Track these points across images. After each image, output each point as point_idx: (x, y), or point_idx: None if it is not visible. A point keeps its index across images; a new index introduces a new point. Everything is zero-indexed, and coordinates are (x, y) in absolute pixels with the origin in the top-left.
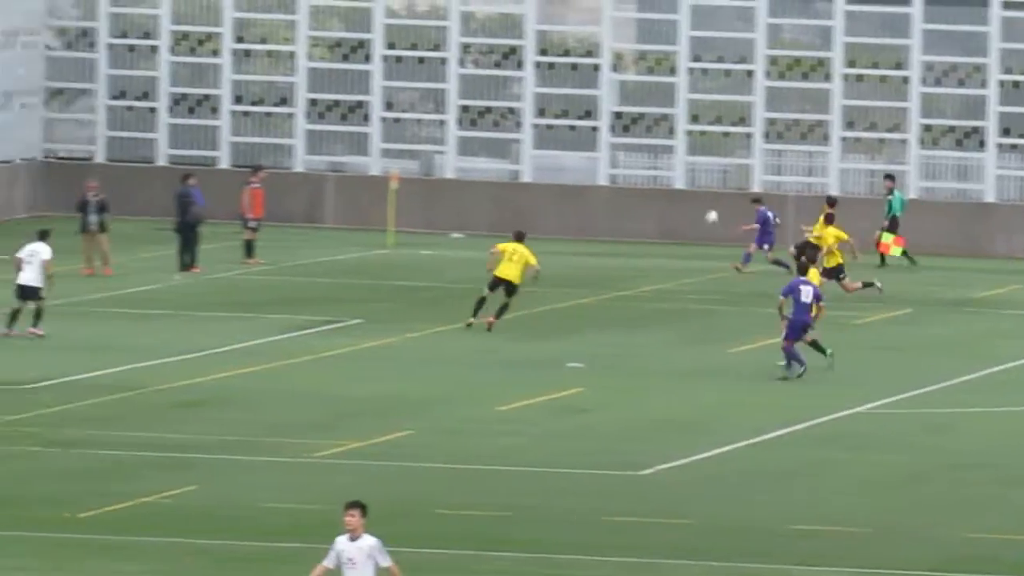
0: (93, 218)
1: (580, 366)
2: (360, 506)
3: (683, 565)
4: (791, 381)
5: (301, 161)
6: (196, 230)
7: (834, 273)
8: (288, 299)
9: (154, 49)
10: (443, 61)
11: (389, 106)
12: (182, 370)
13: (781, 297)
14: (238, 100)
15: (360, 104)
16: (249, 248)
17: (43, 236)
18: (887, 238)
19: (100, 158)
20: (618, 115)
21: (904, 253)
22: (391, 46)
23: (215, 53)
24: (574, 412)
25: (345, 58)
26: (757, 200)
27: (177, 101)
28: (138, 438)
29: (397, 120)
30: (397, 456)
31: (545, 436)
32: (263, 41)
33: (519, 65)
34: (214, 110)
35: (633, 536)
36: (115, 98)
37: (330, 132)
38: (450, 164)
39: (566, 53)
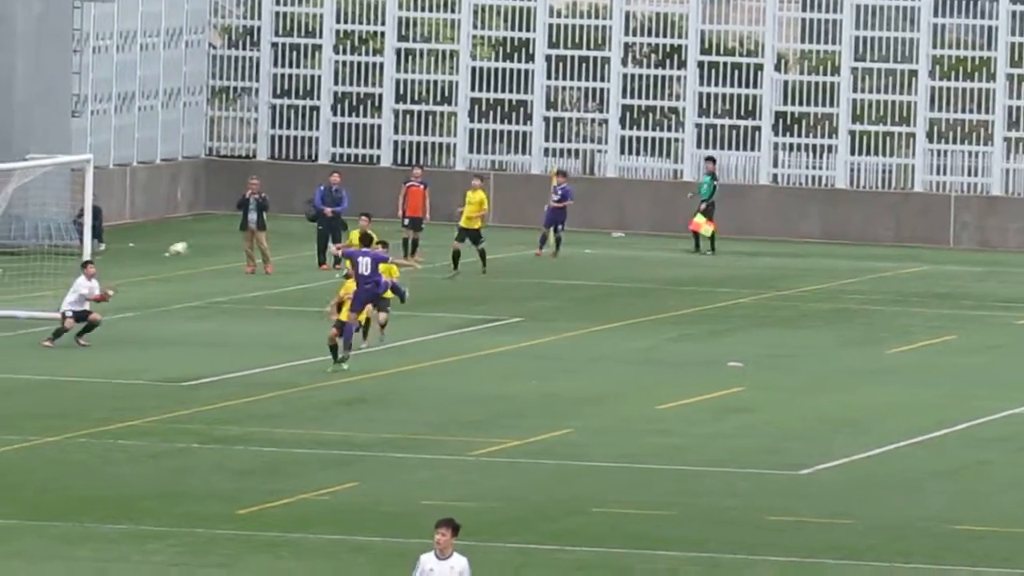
0: (253, 216)
1: (740, 365)
2: (452, 524)
3: (846, 566)
4: (951, 382)
5: (462, 160)
6: (336, 229)
7: None
8: (448, 297)
9: (317, 48)
10: (605, 60)
11: (550, 105)
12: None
13: None
14: (400, 99)
15: (522, 103)
16: (409, 246)
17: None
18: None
19: (262, 156)
20: (780, 114)
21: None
22: (553, 45)
23: (378, 52)
24: (734, 411)
25: (507, 57)
26: None
27: (339, 99)
28: (298, 435)
29: (558, 119)
30: (556, 455)
31: (705, 435)
32: (425, 40)
33: (681, 64)
34: (376, 109)
35: (794, 536)
36: (278, 96)
37: (491, 131)
38: (611, 163)
39: (728, 52)
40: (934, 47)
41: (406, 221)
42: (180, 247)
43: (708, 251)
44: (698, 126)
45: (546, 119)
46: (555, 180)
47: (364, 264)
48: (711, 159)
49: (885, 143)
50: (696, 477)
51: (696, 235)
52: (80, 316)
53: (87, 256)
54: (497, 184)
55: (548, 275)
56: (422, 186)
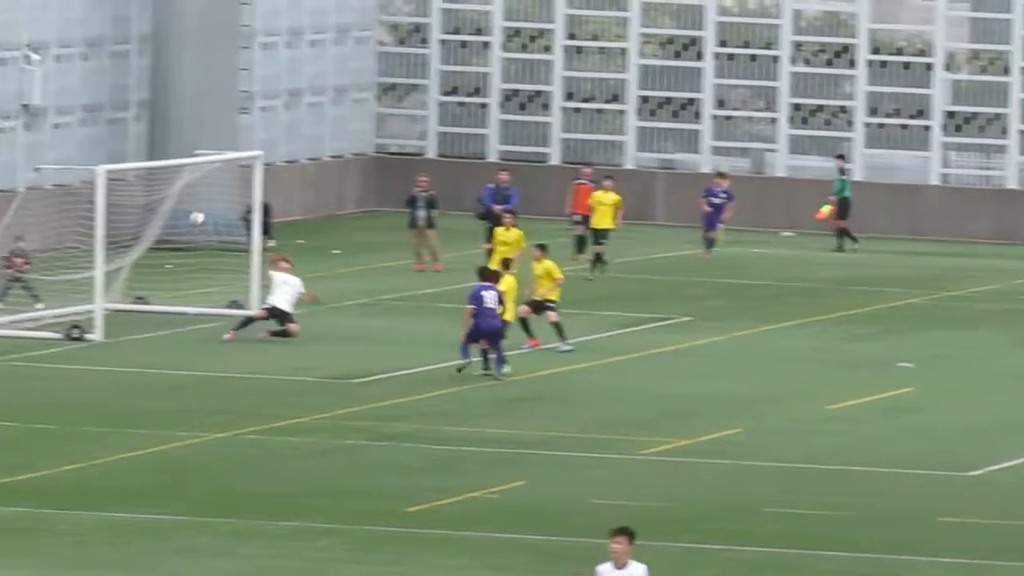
0: (422, 214)
1: (910, 366)
2: (628, 532)
3: (1019, 568)
4: None
5: (632, 158)
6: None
7: None
8: (618, 295)
9: (486, 45)
10: (774, 59)
11: (720, 103)
12: (512, 366)
13: None
14: (569, 96)
15: (691, 101)
16: (580, 244)
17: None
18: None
19: (431, 153)
20: (950, 114)
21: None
22: (722, 43)
23: (547, 49)
24: (904, 412)
25: (676, 55)
26: None
27: (508, 97)
28: (467, 433)
29: (728, 118)
30: (725, 454)
31: (874, 436)
32: (595, 38)
33: (851, 63)
34: (545, 107)
35: (965, 538)
36: (447, 94)
37: (661, 129)
38: (781, 162)
39: (898, 52)
40: None
41: (576, 218)
42: (199, 217)
43: (844, 249)
44: (867, 125)
45: (715, 117)
46: (719, 182)
47: (490, 299)
48: (840, 156)
49: None
50: (866, 478)
51: (841, 233)
52: (275, 313)
53: (258, 252)
54: (666, 182)
55: (717, 274)
56: (592, 184)
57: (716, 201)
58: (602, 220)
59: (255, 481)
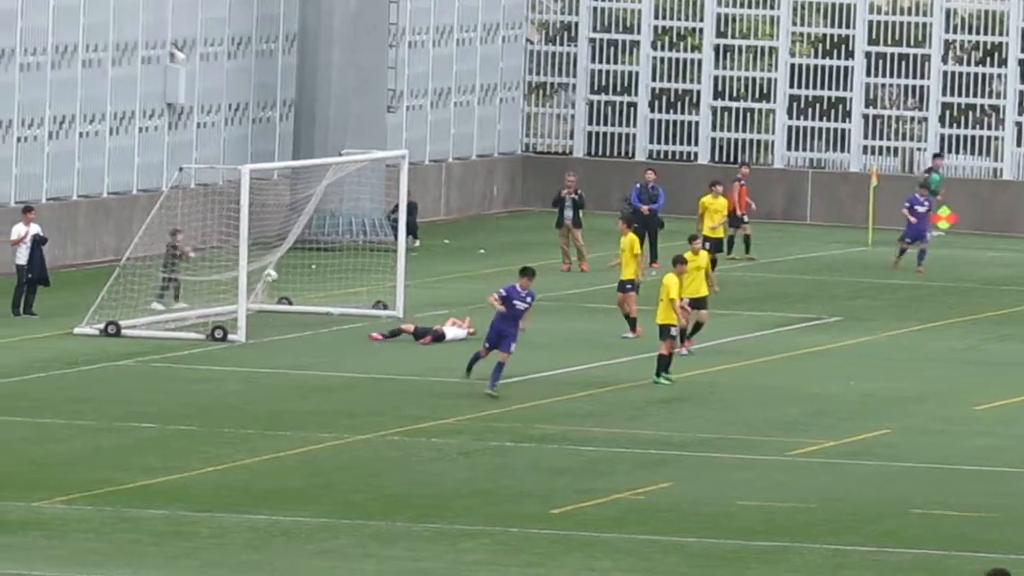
0: (569, 213)
1: None
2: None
3: None
4: None
5: (781, 157)
6: (652, 226)
7: None
8: (768, 296)
9: (635, 44)
10: (925, 57)
11: (870, 102)
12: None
13: None
14: (718, 95)
15: (840, 100)
16: (745, 243)
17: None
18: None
19: (578, 152)
20: None
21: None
22: (873, 42)
23: (696, 48)
24: None
25: (826, 54)
26: None
27: (656, 96)
28: (613, 434)
29: (878, 116)
30: (873, 455)
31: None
32: (744, 36)
33: (1002, 62)
34: (694, 105)
35: None
36: (595, 93)
37: (810, 128)
38: (930, 161)
39: None
40: None
41: (744, 218)
42: (272, 274)
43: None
44: (1018, 124)
45: (865, 116)
46: (923, 191)
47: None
48: (938, 155)
49: None
50: (1016, 479)
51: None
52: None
53: (403, 252)
54: (815, 182)
55: (866, 274)
56: (741, 184)
57: (920, 210)
58: (718, 230)
59: (398, 483)
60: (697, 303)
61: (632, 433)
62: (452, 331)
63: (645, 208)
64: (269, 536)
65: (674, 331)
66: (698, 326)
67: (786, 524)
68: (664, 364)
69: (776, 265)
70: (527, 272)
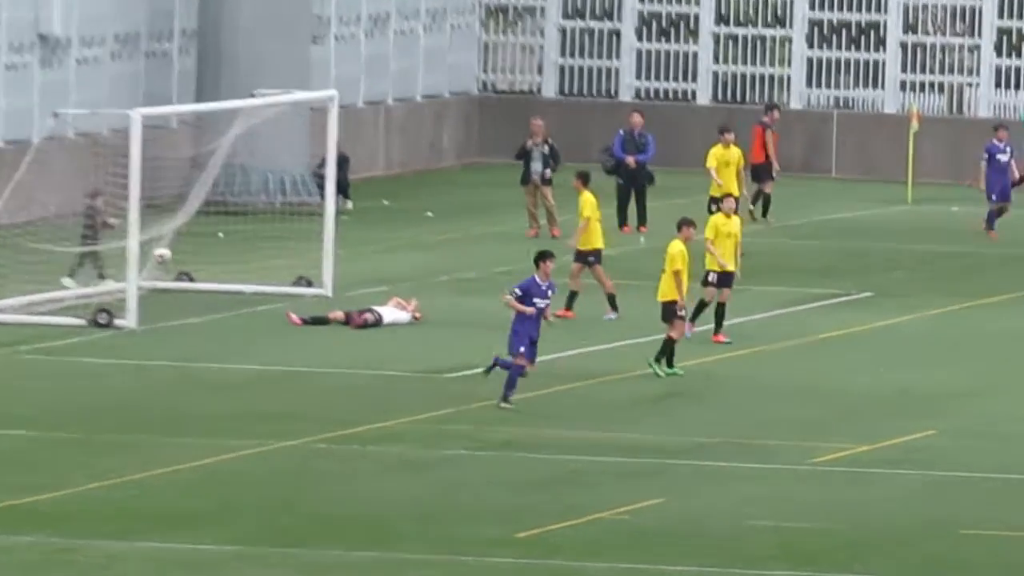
0: (538, 167)
1: None
2: None
3: None
4: None
5: (799, 96)
6: (640, 182)
7: None
8: (783, 267)
9: None
10: None
11: (909, 28)
12: (636, 358)
13: None
14: (721, 20)
15: (873, 25)
16: (766, 203)
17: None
18: None
19: (549, 92)
20: None
21: None
22: None
23: None
24: None
25: None
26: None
27: (646, 21)
28: (593, 439)
29: (919, 45)
30: (913, 463)
31: None
32: None
33: None
34: (691, 32)
35: None
36: (569, 17)
37: (834, 59)
38: (985, 99)
39: None
40: None
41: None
42: (164, 253)
43: None
44: None
45: (903, 45)
46: (1001, 136)
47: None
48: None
49: None
50: None
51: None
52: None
53: (332, 217)
54: (841, 127)
55: (905, 239)
56: (767, 129)
57: (1003, 159)
58: (728, 184)
59: (327, 502)
60: (724, 279)
61: (615, 437)
62: (393, 313)
63: (631, 160)
64: (167, 567)
65: (681, 311)
66: (721, 310)
67: (806, 549)
68: (669, 352)
69: (793, 229)
70: (546, 257)
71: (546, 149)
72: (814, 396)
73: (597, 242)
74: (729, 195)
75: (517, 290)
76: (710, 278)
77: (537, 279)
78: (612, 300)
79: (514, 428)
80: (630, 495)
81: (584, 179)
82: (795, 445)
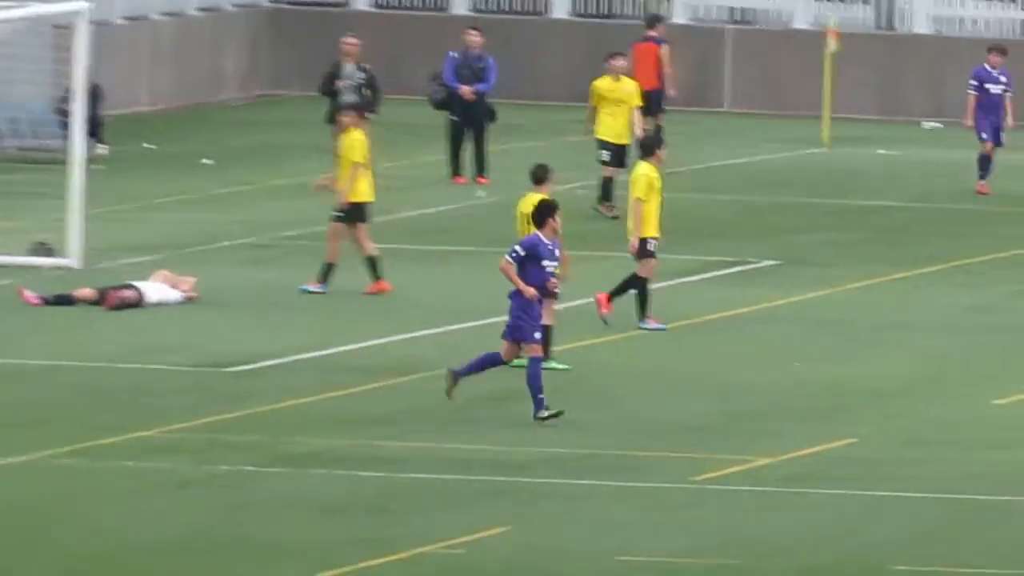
0: (350, 99)
1: None
2: None
3: None
4: None
5: (684, 6)
6: (477, 118)
7: None
8: (668, 228)
9: None
10: None
11: None
12: (489, 342)
13: None
14: None
15: None
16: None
17: None
18: None
19: (360, 3)
20: None
21: None
22: None
23: None
24: None
25: None
26: None
27: None
28: (416, 451)
29: None
30: (831, 480)
31: None
32: None
33: None
34: None
35: None
36: None
37: None
38: (923, 11)
39: None
40: None
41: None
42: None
43: None
44: None
45: None
46: (993, 61)
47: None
48: None
49: None
50: None
51: None
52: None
53: (81, 163)
54: (738, 46)
55: (820, 190)
56: (660, 45)
57: (995, 91)
58: (613, 126)
59: (73, 535)
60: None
61: (447, 449)
62: (159, 291)
63: (466, 90)
64: None
65: (651, 244)
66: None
67: None
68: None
69: (677, 180)
70: (554, 209)
71: (361, 77)
72: (702, 394)
73: (367, 194)
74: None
75: (519, 249)
76: (649, 246)
77: (542, 236)
78: (372, 264)
79: (315, 437)
80: (464, 523)
81: (359, 112)
82: (678, 457)
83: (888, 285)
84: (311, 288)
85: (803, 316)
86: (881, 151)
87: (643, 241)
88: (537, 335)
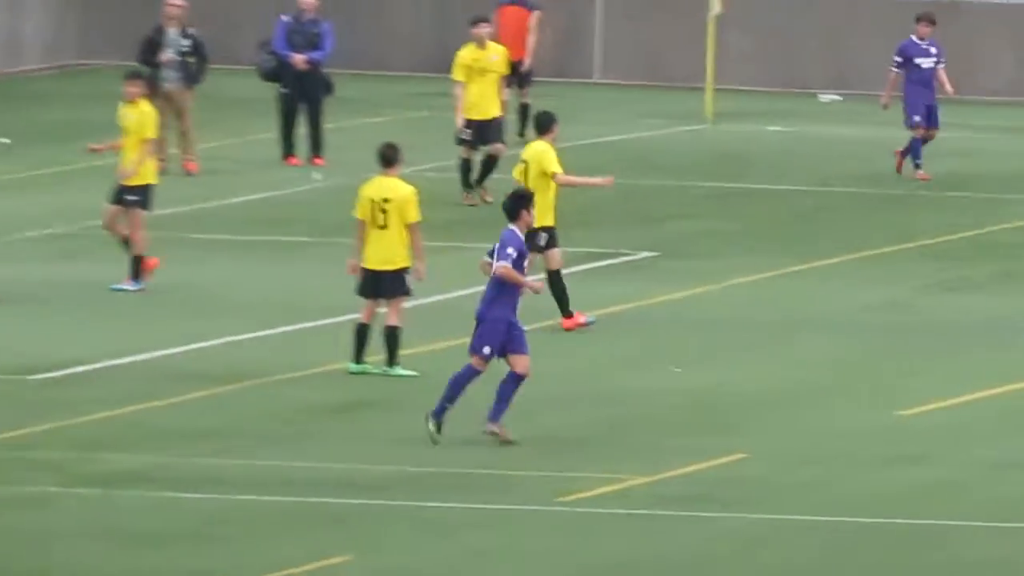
0: (172, 74)
1: None
2: None
3: None
4: None
5: None
6: (313, 90)
7: None
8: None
9: None
10: None
11: None
12: (321, 344)
13: None
14: None
15: None
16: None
17: None
18: None
19: None
20: None
21: None
22: None
23: None
24: None
25: None
26: None
27: None
28: (244, 469)
29: None
30: (714, 502)
31: (991, 465)
32: None
33: None
34: None
35: None
36: None
37: None
38: None
39: None
40: None
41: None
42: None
43: None
44: None
45: None
46: (923, 31)
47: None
48: None
49: None
50: (975, 539)
51: None
52: None
53: None
54: (607, 9)
55: (703, 172)
56: (529, 10)
57: (926, 65)
58: (477, 100)
59: None
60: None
61: (284, 468)
62: None
63: (299, 59)
64: None
65: (541, 239)
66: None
67: None
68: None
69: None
70: (528, 200)
71: (186, 44)
72: (571, 404)
73: (153, 176)
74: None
75: (512, 251)
76: (539, 240)
77: (518, 232)
78: (136, 264)
79: (129, 454)
80: (304, 552)
81: (149, 83)
82: (544, 475)
83: (781, 280)
84: (124, 286)
85: (684, 315)
86: (773, 128)
87: (538, 232)
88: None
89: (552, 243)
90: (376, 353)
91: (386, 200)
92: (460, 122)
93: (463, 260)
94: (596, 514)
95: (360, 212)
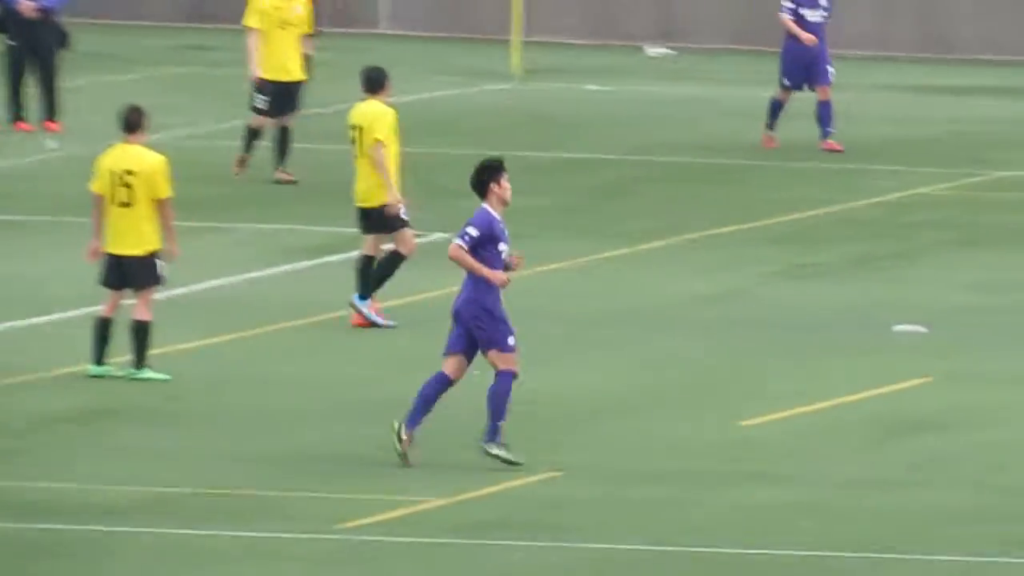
0: None
1: (921, 330)
2: None
3: None
4: None
5: None
6: (45, 43)
7: None
8: (302, 190)
9: None
10: None
11: None
12: (55, 343)
13: None
14: None
15: None
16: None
17: None
18: None
19: None
20: None
21: None
22: None
23: None
24: (911, 430)
25: None
26: None
27: None
28: None
29: None
30: (522, 528)
31: (846, 483)
32: None
33: None
34: None
35: None
36: None
37: None
38: None
39: None
40: None
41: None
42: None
43: None
44: None
45: None
46: None
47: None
48: None
49: None
50: (840, 572)
51: None
52: None
53: None
54: None
55: (510, 139)
56: None
57: (813, 19)
58: (277, 58)
59: None
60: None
61: (1, 488)
62: None
63: (28, 6)
64: None
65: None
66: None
67: None
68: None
69: (317, 123)
70: (501, 171)
71: None
72: (352, 412)
73: None
74: None
75: (472, 231)
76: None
77: (491, 210)
78: None
79: None
80: None
81: None
82: (319, 498)
83: (599, 266)
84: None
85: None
86: (591, 86)
87: (386, 206)
88: (511, 340)
89: (401, 222)
90: (121, 353)
91: (129, 172)
92: (253, 76)
93: (224, 243)
94: (381, 542)
95: (98, 186)
